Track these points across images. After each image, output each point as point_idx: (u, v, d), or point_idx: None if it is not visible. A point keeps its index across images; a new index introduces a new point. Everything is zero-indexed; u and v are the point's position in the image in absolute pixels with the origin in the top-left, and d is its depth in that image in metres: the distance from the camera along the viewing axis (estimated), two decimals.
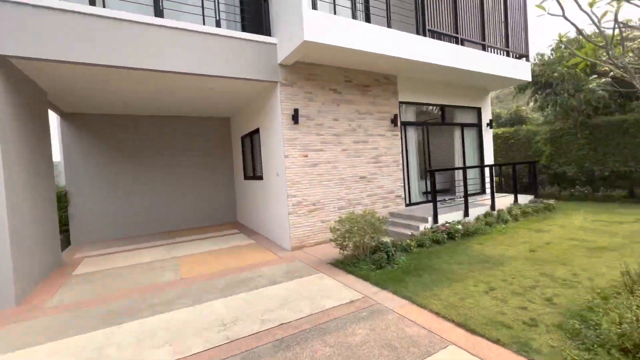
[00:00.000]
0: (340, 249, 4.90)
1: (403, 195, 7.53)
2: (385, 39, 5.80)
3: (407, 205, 7.69)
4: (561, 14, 3.05)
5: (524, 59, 8.67)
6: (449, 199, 8.15)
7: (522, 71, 8.47)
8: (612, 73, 8.36)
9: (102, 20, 4.50)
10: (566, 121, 10.31)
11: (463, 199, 7.02)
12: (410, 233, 5.95)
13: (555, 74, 9.98)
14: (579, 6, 3.07)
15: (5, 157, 4.07)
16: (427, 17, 6.56)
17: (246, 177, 8.64)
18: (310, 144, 6.16)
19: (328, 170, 6.38)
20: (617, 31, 2.98)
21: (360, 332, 2.89)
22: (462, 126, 9.07)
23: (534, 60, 12.26)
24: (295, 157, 5.99)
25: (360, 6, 6.26)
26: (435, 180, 6.62)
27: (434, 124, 8.61)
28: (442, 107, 8.60)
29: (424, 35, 6.52)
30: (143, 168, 8.60)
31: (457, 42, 7.14)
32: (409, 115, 7.93)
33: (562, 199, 9.64)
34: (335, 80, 6.49)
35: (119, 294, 4.27)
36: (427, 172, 7.32)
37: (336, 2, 5.75)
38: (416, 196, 8.00)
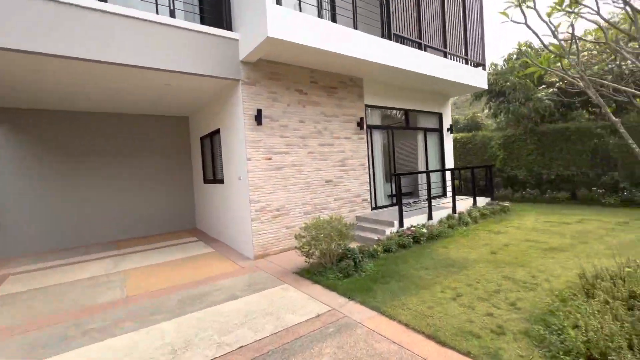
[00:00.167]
0: (306, 257, 4.67)
1: (369, 199, 7.49)
2: (351, 40, 5.70)
3: (373, 209, 7.66)
4: (524, 21, 3.10)
5: (481, 67, 9.10)
6: (413, 202, 8.27)
7: (479, 79, 8.87)
8: (558, 84, 9.04)
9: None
10: (517, 128, 11.01)
11: (427, 202, 7.12)
12: (377, 238, 5.87)
13: (508, 83, 10.62)
14: (539, 15, 3.14)
15: None
16: (392, 22, 6.57)
17: (206, 181, 8.09)
18: (274, 146, 5.86)
19: (293, 174, 6.12)
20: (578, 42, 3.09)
21: (328, 351, 2.67)
22: (425, 131, 9.29)
23: (489, 70, 13.01)
24: (259, 159, 5.66)
25: (326, 5, 6.10)
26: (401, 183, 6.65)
27: (399, 128, 8.71)
28: (406, 112, 8.74)
29: (390, 39, 6.53)
30: (88, 171, 7.71)
31: (420, 48, 7.26)
32: (375, 119, 7.94)
33: (515, 200, 10.25)
34: (300, 80, 6.26)
35: (48, 319, 3.65)
36: (393, 175, 7.35)
37: (302, 0, 5.53)
38: (382, 200, 8.01)
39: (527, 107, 10.18)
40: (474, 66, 8.89)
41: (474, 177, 8.74)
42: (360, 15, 6.25)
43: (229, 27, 5.59)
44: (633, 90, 2.98)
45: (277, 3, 4.81)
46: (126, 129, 8.22)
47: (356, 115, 7.22)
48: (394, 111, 8.63)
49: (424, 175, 8.80)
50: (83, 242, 7.60)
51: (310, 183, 6.38)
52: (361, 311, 3.37)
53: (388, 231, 6.12)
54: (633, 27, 3.23)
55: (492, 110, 12.56)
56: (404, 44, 6.82)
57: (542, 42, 3.13)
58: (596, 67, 7.68)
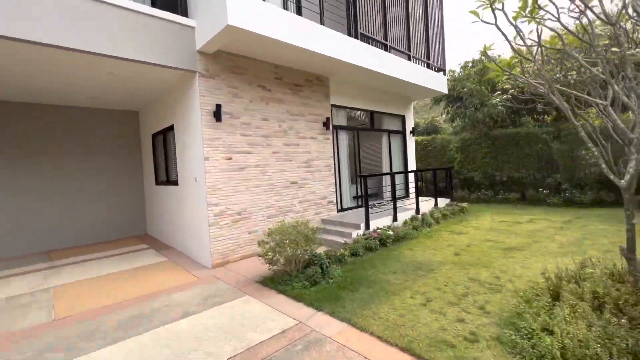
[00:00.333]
0: (270, 264, 4.33)
1: (335, 201, 7.32)
2: (318, 36, 5.47)
3: (339, 211, 7.50)
4: (494, 22, 3.08)
5: (442, 72, 9.39)
6: (378, 203, 8.26)
7: (440, 84, 9.14)
8: (511, 91, 9.61)
9: None
10: (473, 132, 11.58)
11: (392, 203, 7.12)
12: (343, 241, 5.70)
13: (465, 89, 11.12)
14: (507, 18, 3.14)
15: None
16: (359, 20, 6.47)
17: (158, 183, 7.37)
18: (235, 145, 5.44)
19: (256, 175, 5.73)
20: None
21: None
22: (389, 132, 9.36)
23: (447, 76, 13.59)
24: (217, 159, 5.20)
25: None
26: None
27: (364, 129, 8.68)
28: (372, 113, 8.72)
29: (357, 38, 6.41)
30: (20, 171, 6.61)
31: (385, 50, 7.25)
32: (341, 119, 7.79)
33: (471, 201, 10.74)
34: (264, 76, 5.90)
35: None
36: (359, 177, 7.25)
37: None
38: (348, 201, 7.89)
39: (482, 112, 10.73)
40: (435, 71, 9.14)
41: (435, 178, 8.96)
42: (327, 11, 6.06)
43: (184, 13, 5.08)
44: (593, 99, 3.09)
45: None
46: (66, 123, 7.22)
47: (322, 115, 7.01)
48: (360, 112, 8.57)
49: (388, 176, 8.87)
50: (9, 252, 6.50)
51: (275, 185, 6.04)
52: (330, 323, 3.12)
53: (355, 234, 5.98)
54: (587, 36, 3.37)
55: (449, 115, 13.12)
56: (369, 44, 6.76)
57: (510, 45, 3.14)
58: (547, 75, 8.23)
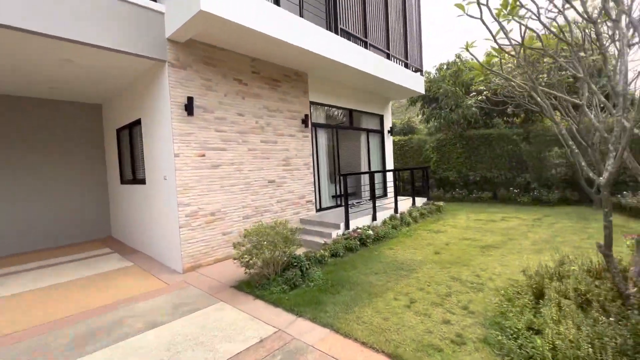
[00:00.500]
0: (246, 267, 4.07)
1: (314, 200, 7.14)
2: (298, 28, 5.27)
3: (317, 210, 7.33)
4: (479, 16, 3.03)
5: (419, 72, 9.48)
6: (357, 203, 8.18)
7: (418, 84, 9.22)
8: (485, 92, 9.88)
9: None
10: (448, 132, 11.83)
11: (370, 203, 7.04)
12: (323, 242, 5.52)
13: (441, 90, 11.33)
14: (491, 14, 3.10)
15: None
16: (339, 15, 6.33)
17: (124, 181, 6.84)
18: (208, 141, 5.11)
19: (231, 173, 5.43)
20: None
21: None
22: (368, 132, 9.32)
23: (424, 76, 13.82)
24: (189, 156, 4.86)
25: None
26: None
27: (343, 128, 8.56)
28: (350, 112, 8.63)
29: (337, 33, 6.27)
30: None
31: (365, 47, 7.17)
32: (319, 117, 7.63)
33: (446, 200, 10.95)
34: (240, 69, 5.61)
35: None
36: (340, 176, 7.11)
37: None
38: (327, 201, 7.74)
39: (457, 113, 10.98)
40: (413, 71, 9.20)
41: (413, 178, 9.02)
42: (307, 3, 5.86)
43: None
44: (572, 99, 3.13)
45: None
46: (21, 116, 6.50)
47: (301, 112, 6.81)
48: (338, 111, 8.45)
49: (367, 175, 8.82)
50: None
51: (251, 183, 5.76)
52: (312, 330, 2.93)
53: (334, 234, 5.83)
54: (568, 35, 3.41)
55: (425, 116, 13.34)
56: (349, 41, 6.64)
57: (495, 41, 3.10)
58: (518, 78, 8.49)
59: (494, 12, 3.02)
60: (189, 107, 4.79)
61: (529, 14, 3.04)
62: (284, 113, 6.42)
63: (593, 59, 3.53)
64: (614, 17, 2.69)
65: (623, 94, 2.58)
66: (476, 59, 3.51)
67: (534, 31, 3.26)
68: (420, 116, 14.46)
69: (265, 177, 6.01)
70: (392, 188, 8.86)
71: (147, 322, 3.24)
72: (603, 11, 2.76)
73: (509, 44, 3.20)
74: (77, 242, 7.24)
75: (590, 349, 1.87)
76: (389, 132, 10.15)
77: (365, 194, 8.97)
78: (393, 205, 7.76)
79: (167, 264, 5.19)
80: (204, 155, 5.04)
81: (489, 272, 4.13)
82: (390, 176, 9.94)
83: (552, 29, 3.32)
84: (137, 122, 5.83)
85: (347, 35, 6.67)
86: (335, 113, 8.46)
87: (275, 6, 4.93)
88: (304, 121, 6.82)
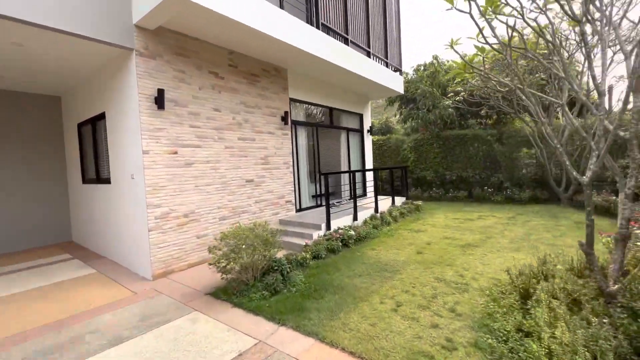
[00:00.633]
0: (223, 272, 3.80)
1: (294, 201, 6.92)
2: (278, 20, 5.03)
3: (297, 210, 7.12)
4: (468, 11, 2.97)
5: (398, 72, 9.51)
6: (337, 202, 8.06)
7: (398, 83, 9.24)
8: (462, 93, 10.09)
9: None
10: (425, 133, 12.00)
11: (351, 202, 6.94)
12: (304, 243, 5.32)
13: (419, 91, 11.46)
14: (479, 9, 3.04)
15: None
16: (320, 10, 6.15)
17: (86, 181, 6.28)
18: (181, 137, 4.76)
19: (206, 172, 5.10)
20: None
21: None
22: (348, 130, 9.23)
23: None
24: (160, 153, 4.49)
25: None
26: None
27: (324, 126, 8.40)
28: (331, 110, 8.49)
29: (318, 28, 6.09)
30: None
31: (346, 43, 7.05)
32: (299, 115, 7.42)
33: (423, 199, 11.08)
34: (216, 61, 5.29)
35: None
36: (321, 175, 6.92)
37: None
38: (306, 201, 7.54)
39: (434, 114, 11.15)
40: (393, 71, 9.21)
41: (392, 177, 9.03)
42: None
43: None
44: (553, 99, 3.14)
45: None
46: None
47: (280, 108, 6.56)
48: (318, 109, 8.27)
49: (347, 175, 8.72)
50: None
51: (228, 183, 5.45)
52: (295, 340, 2.74)
53: (315, 235, 5.65)
54: (549, 36, 3.43)
55: (402, 116, 13.47)
56: (330, 36, 6.48)
57: (484, 37, 3.05)
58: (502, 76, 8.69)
59: (481, 9, 2.98)
60: (159, 100, 4.42)
61: (514, 12, 3.02)
62: (263, 109, 6.15)
63: (573, 60, 3.57)
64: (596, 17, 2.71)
65: (601, 92, 2.59)
66: (461, 56, 3.46)
67: (517, 31, 3.25)
68: (398, 116, 14.59)
69: (242, 176, 5.72)
70: (372, 187, 8.83)
71: (109, 338, 2.90)
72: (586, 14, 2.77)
73: (496, 42, 3.16)
74: (31, 248, 6.58)
75: (587, 353, 1.82)
76: (368, 131, 10.12)
77: (346, 193, 8.88)
78: (373, 204, 7.70)
79: (135, 270, 4.79)
80: (176, 153, 4.69)
81: (472, 272, 4.12)
82: (370, 175, 9.91)
83: (535, 28, 3.33)
84: (102, 116, 5.34)
85: (328, 30, 6.51)
86: (316, 111, 8.29)
87: None
88: (284, 118, 6.58)
